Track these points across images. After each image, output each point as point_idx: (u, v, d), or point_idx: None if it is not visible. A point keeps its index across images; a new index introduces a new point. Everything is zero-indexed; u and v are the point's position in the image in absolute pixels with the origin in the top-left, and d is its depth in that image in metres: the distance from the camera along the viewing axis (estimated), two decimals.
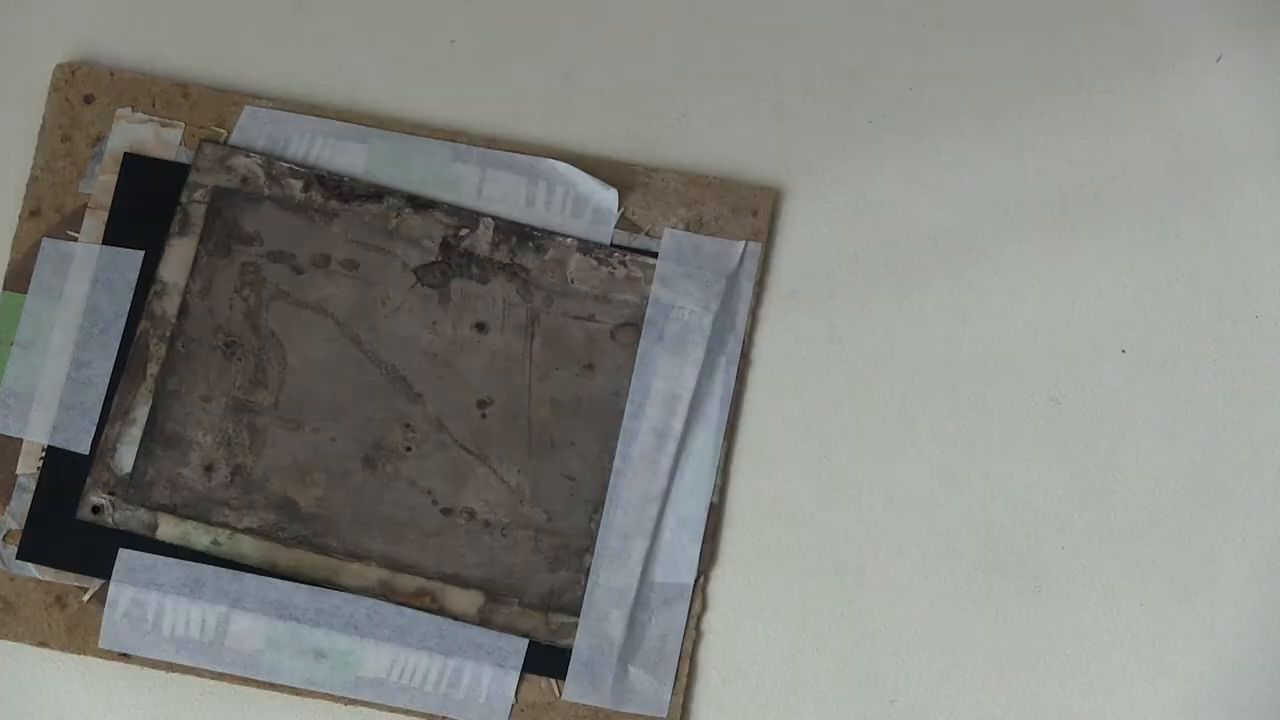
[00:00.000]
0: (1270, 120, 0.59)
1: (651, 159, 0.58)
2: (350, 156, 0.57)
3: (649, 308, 0.57)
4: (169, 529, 0.55)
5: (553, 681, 0.55)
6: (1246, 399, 0.57)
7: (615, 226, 0.57)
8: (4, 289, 0.57)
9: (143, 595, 0.55)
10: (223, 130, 0.58)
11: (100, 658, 0.55)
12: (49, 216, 0.57)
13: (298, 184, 0.57)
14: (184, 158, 0.57)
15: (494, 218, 0.57)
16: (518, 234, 0.57)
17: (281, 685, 0.55)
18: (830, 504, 0.56)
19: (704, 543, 0.56)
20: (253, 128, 0.57)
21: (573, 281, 0.57)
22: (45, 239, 0.57)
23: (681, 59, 0.59)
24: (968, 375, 0.57)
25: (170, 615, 0.55)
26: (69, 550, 0.55)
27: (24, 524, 0.55)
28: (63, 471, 0.56)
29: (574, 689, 0.55)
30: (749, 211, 0.58)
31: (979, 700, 0.55)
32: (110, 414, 0.56)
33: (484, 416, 0.56)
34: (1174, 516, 0.57)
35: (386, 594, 0.55)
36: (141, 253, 0.57)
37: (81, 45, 0.58)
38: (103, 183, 0.57)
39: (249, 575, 0.55)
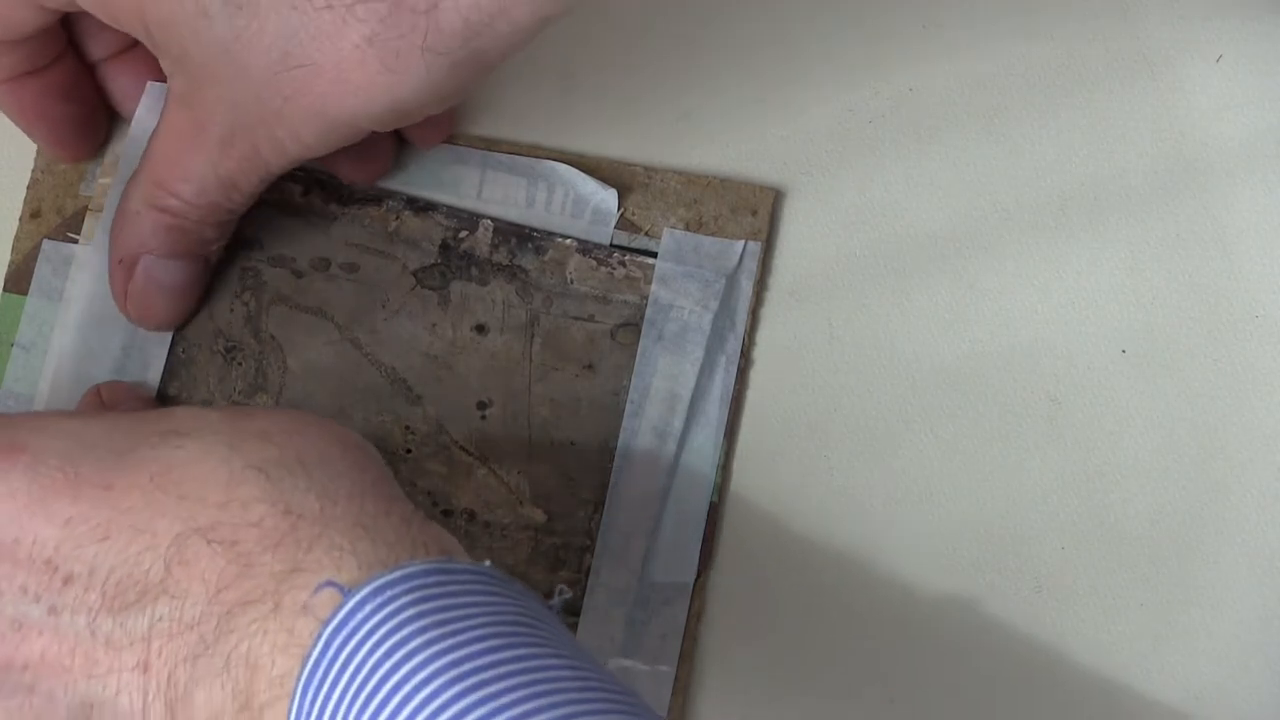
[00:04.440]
0: (1270, 120, 0.59)
1: (651, 159, 0.58)
2: None
3: (649, 308, 0.57)
4: None
5: None
6: (1246, 399, 0.57)
7: (615, 227, 0.57)
8: (4, 290, 0.57)
9: None
10: None
11: None
12: (49, 218, 0.57)
13: (297, 188, 0.57)
14: None
15: (493, 219, 0.57)
16: (517, 235, 0.57)
17: None
18: (830, 504, 0.56)
19: (704, 542, 0.56)
20: None
21: (572, 282, 0.57)
22: (45, 241, 0.57)
23: (681, 59, 0.59)
24: (968, 375, 0.57)
25: None
26: None
27: None
28: None
29: None
30: (749, 211, 0.58)
31: (979, 700, 0.55)
32: None
33: (484, 418, 0.56)
34: (1174, 516, 0.56)
35: None
36: None
37: None
38: (103, 185, 0.57)
39: None
